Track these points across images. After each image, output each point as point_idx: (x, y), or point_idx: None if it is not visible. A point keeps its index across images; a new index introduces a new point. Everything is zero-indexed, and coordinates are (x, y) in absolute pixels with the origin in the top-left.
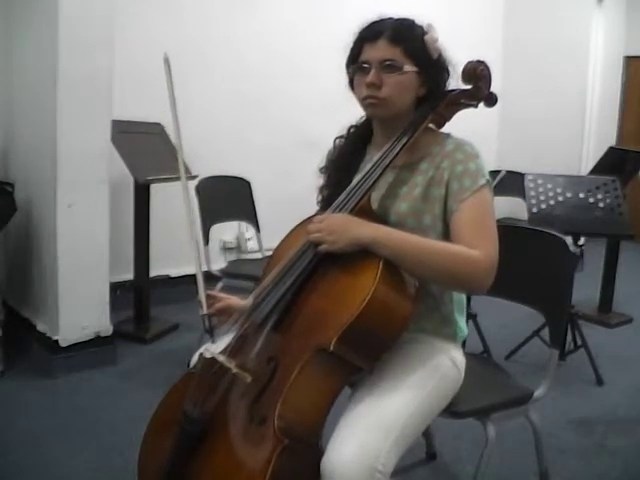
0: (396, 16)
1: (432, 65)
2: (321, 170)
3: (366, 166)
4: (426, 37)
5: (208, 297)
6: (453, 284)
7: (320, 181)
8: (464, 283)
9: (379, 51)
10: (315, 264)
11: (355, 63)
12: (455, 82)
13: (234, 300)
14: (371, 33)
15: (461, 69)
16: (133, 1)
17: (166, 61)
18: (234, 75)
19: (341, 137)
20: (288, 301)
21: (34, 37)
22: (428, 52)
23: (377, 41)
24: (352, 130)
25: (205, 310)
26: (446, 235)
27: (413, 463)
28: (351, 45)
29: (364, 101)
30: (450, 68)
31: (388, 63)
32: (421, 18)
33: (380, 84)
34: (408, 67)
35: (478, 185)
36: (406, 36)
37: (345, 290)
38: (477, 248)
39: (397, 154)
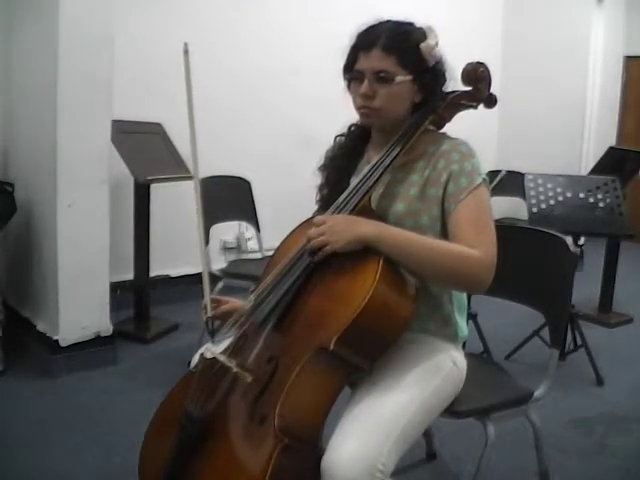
0: (394, 19)
1: (428, 72)
2: (320, 168)
3: (364, 167)
4: (422, 45)
5: (213, 301)
6: (453, 283)
7: (319, 180)
8: (465, 282)
9: (372, 61)
10: (315, 264)
11: (351, 71)
12: (454, 83)
13: (238, 303)
14: (366, 41)
15: (461, 70)
16: (133, 1)
17: (186, 52)
18: (235, 75)
19: (342, 135)
20: (289, 301)
21: (34, 37)
22: (424, 60)
23: (371, 50)
24: (353, 129)
25: (210, 313)
26: (444, 235)
27: (413, 463)
28: (348, 50)
29: (359, 110)
30: (448, 73)
31: (381, 75)
32: (420, 18)
33: (373, 95)
34: (401, 78)
35: (475, 184)
36: (400, 45)
37: (345, 289)
38: (477, 248)
39: (397, 155)
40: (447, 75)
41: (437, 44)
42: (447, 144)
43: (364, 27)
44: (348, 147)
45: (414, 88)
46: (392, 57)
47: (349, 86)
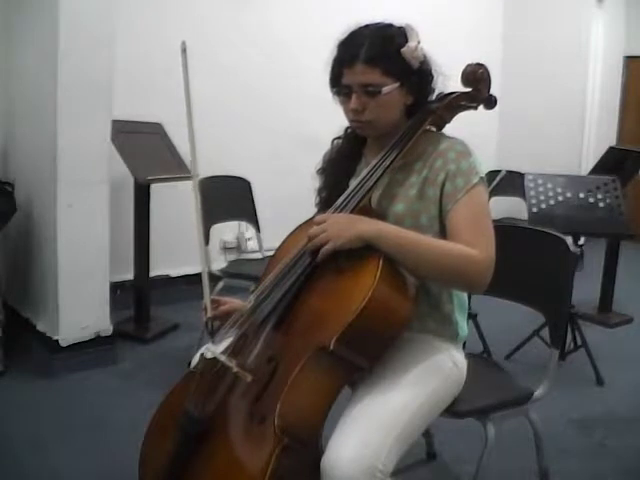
0: (373, 24)
1: (414, 74)
2: (318, 171)
3: (363, 169)
4: (403, 50)
5: (213, 301)
6: (453, 282)
7: (317, 183)
8: (464, 282)
9: (357, 76)
10: (316, 264)
11: (337, 85)
12: (443, 79)
13: (238, 303)
14: (347, 55)
15: (461, 72)
16: (134, 1)
17: (184, 51)
18: (235, 75)
19: (339, 138)
20: (289, 301)
21: (34, 37)
22: (408, 64)
23: (354, 65)
24: (349, 131)
25: (210, 313)
26: (443, 235)
27: (413, 463)
28: (331, 62)
29: (351, 123)
30: (434, 70)
31: (368, 89)
32: (421, 19)
33: (363, 109)
34: (388, 87)
35: (471, 184)
36: (383, 54)
37: (345, 289)
38: (476, 247)
39: (397, 156)
40: (434, 72)
41: (419, 43)
42: (444, 143)
43: (343, 37)
44: (345, 150)
45: (403, 93)
46: (376, 69)
47: (338, 98)
